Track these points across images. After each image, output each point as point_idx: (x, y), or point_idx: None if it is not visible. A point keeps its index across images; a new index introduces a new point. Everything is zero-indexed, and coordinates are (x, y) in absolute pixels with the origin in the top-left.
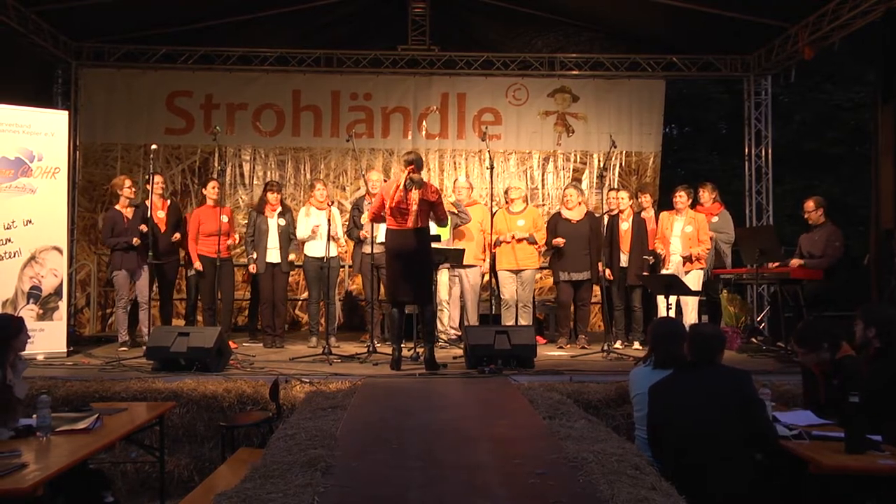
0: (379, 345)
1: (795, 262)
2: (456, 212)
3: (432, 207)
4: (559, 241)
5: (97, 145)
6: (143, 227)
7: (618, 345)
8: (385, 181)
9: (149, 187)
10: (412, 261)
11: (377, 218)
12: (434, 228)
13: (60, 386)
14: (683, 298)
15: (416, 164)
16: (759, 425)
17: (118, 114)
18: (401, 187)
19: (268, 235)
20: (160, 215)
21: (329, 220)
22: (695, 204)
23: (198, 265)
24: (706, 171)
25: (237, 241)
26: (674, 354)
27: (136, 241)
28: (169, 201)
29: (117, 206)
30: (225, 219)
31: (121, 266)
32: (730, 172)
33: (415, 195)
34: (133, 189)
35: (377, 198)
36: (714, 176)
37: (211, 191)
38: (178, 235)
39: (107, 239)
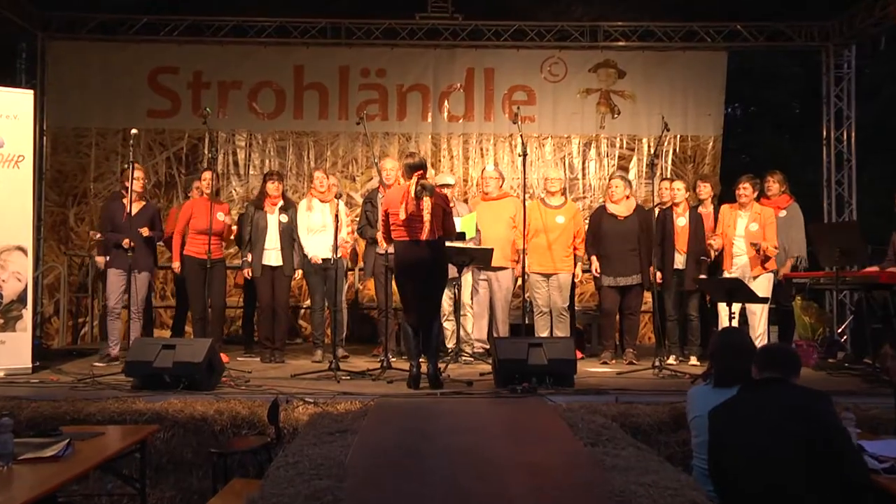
0: (394, 359)
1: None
2: None
3: (445, 216)
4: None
5: (68, 130)
6: (145, 231)
7: (671, 360)
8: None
9: (126, 180)
10: (426, 277)
11: (388, 237)
12: (459, 225)
13: (25, 407)
14: (750, 307)
15: (424, 168)
16: (842, 457)
17: (92, 94)
18: (411, 196)
19: (267, 234)
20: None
21: (336, 216)
22: (760, 196)
23: (176, 266)
24: (774, 158)
25: (234, 236)
26: (739, 371)
27: (126, 242)
28: (145, 202)
29: (125, 200)
30: (221, 216)
31: (114, 264)
32: (804, 159)
33: (427, 203)
34: (144, 180)
35: (381, 214)
36: (784, 163)
37: (205, 183)
38: (146, 230)
39: (104, 233)
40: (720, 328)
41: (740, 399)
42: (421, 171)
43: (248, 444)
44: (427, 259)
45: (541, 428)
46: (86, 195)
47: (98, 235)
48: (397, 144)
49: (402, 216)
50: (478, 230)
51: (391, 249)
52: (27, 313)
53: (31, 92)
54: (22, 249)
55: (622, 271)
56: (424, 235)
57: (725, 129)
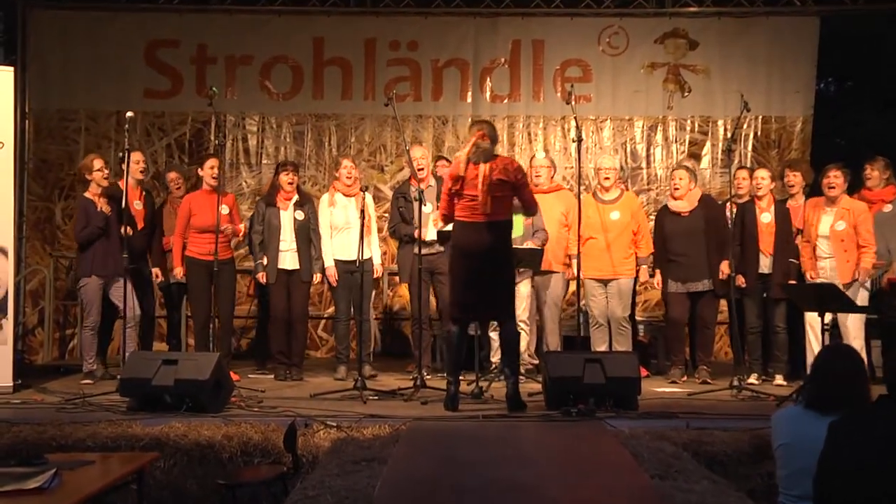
0: (429, 376)
1: None
2: None
3: (514, 191)
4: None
5: (53, 113)
6: (128, 230)
7: (753, 379)
8: (443, 161)
9: (124, 169)
10: (485, 264)
11: (448, 217)
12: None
13: (4, 431)
14: (841, 317)
15: (487, 130)
16: None
17: (81, 71)
18: (462, 161)
19: (280, 233)
20: (137, 206)
21: (363, 212)
22: (860, 186)
23: (178, 272)
24: (876, 142)
25: (243, 237)
26: (843, 398)
27: (125, 230)
28: (145, 191)
29: (87, 194)
30: (225, 210)
31: (91, 271)
32: None
33: (483, 171)
34: (107, 172)
35: (444, 184)
36: (888, 148)
37: (209, 172)
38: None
39: (80, 233)
40: (831, 344)
41: (879, 417)
42: (481, 132)
43: (261, 475)
44: (484, 242)
45: (599, 457)
46: (74, 188)
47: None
48: (431, 129)
49: (455, 186)
50: (543, 227)
51: (425, 234)
52: (7, 324)
53: (11, 69)
54: (2, 250)
55: (690, 275)
56: (480, 213)
57: (816, 108)
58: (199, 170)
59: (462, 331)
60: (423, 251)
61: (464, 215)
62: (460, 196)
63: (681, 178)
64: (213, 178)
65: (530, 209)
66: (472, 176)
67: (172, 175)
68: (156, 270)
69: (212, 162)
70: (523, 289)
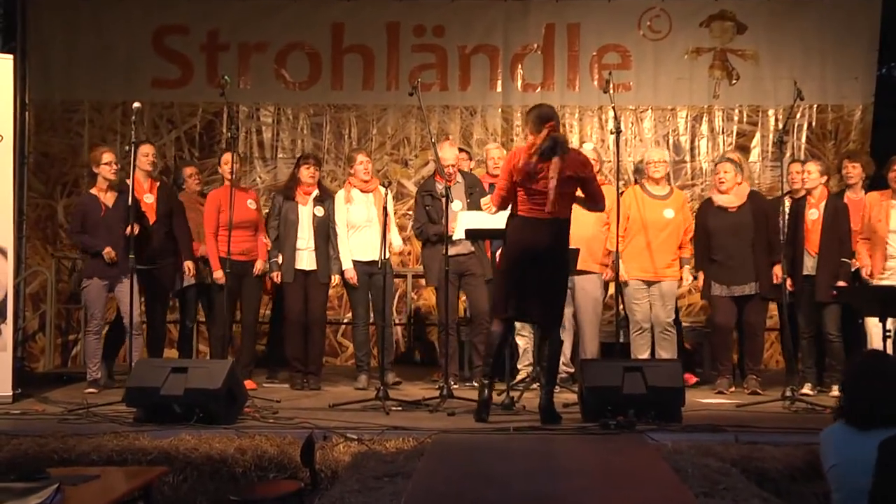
0: (456, 386)
1: None
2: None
3: (582, 185)
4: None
5: (55, 104)
6: (135, 229)
7: (807, 389)
8: (464, 154)
9: (108, 163)
10: (543, 263)
11: (506, 199)
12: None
13: (3, 444)
14: None
15: (556, 120)
16: None
17: (85, 59)
18: (533, 153)
19: (298, 230)
20: (147, 200)
21: (384, 209)
22: None
23: (219, 275)
24: None
25: (268, 244)
26: (886, 411)
27: (108, 252)
28: (159, 182)
29: (93, 190)
30: (253, 204)
31: (93, 273)
32: None
33: (555, 166)
34: (116, 167)
35: (502, 172)
36: None
37: (226, 168)
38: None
39: (73, 233)
40: (865, 350)
41: None
42: (552, 123)
43: (276, 491)
44: (546, 241)
45: (639, 473)
46: (77, 184)
47: (108, 251)
48: (459, 120)
49: (517, 178)
50: None
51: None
52: (6, 329)
53: (10, 57)
54: (0, 251)
55: (736, 277)
56: (548, 210)
57: (878, 95)
58: (219, 166)
59: (507, 331)
60: (452, 252)
61: (525, 210)
62: (524, 189)
63: (725, 171)
64: (229, 171)
65: (598, 204)
66: (542, 170)
67: (190, 170)
68: (188, 264)
69: (227, 157)
70: None
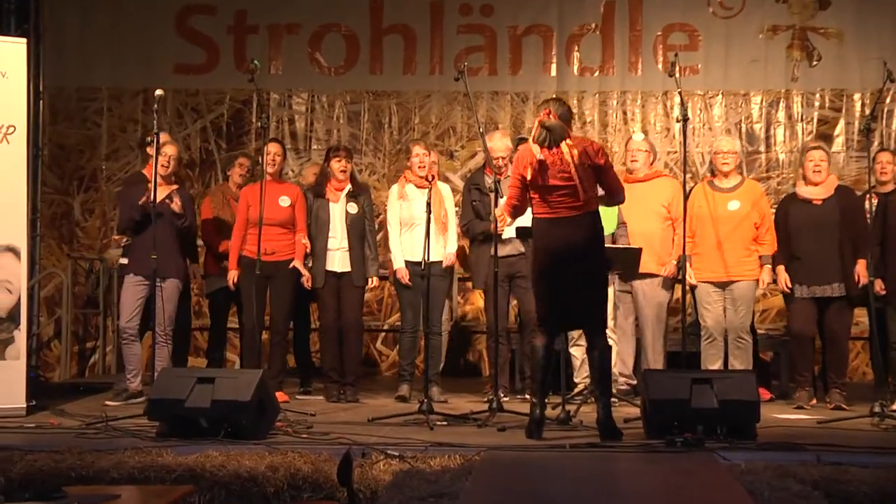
0: (506, 399)
1: None
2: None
3: (598, 175)
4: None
5: (71, 92)
6: (176, 206)
7: None
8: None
9: (151, 155)
10: (576, 265)
11: (519, 208)
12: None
13: (17, 460)
14: None
15: (554, 107)
16: None
17: (103, 43)
18: (533, 147)
19: (329, 229)
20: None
21: (428, 204)
22: None
23: (233, 275)
24: None
25: (308, 246)
26: None
27: (143, 200)
28: (177, 186)
29: (145, 171)
30: (286, 201)
31: (131, 269)
32: None
33: (568, 153)
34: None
35: (512, 177)
36: None
37: (267, 159)
38: (177, 203)
39: (122, 221)
40: None
41: None
42: (548, 110)
43: None
44: (571, 238)
45: (709, 496)
46: (95, 178)
47: (125, 240)
48: (509, 108)
49: (529, 175)
50: (623, 223)
51: (503, 231)
52: (20, 336)
53: (23, 41)
54: (13, 251)
55: (819, 277)
56: (569, 207)
57: None
58: (243, 158)
59: (549, 344)
60: (501, 252)
61: (544, 210)
62: (538, 188)
63: (822, 159)
64: (271, 164)
65: (616, 196)
66: (555, 161)
67: (273, 148)
68: (233, 274)
69: (269, 148)
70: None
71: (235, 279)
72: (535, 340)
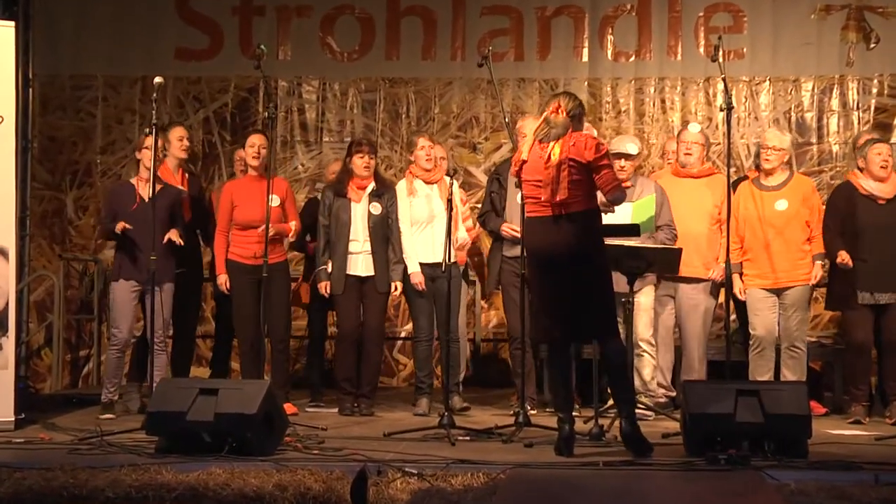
0: (533, 412)
1: None
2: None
3: (592, 173)
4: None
5: (63, 79)
6: (174, 235)
7: None
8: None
9: (149, 147)
10: (563, 269)
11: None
12: (629, 212)
13: (5, 478)
14: None
15: (564, 102)
16: None
17: (98, 26)
18: (528, 142)
19: (351, 230)
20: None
21: (449, 201)
22: None
23: (223, 280)
24: None
25: (295, 236)
26: None
27: (120, 226)
28: (188, 174)
29: (132, 180)
30: (276, 201)
31: (119, 274)
32: None
33: (550, 149)
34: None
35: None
36: None
37: (250, 151)
38: (175, 234)
39: (103, 220)
40: None
41: None
42: (557, 104)
43: None
44: (559, 239)
45: None
46: (89, 173)
47: (120, 225)
48: (537, 96)
49: (516, 169)
50: (671, 223)
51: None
52: (8, 344)
53: (11, 25)
54: (0, 251)
55: (883, 284)
56: (549, 204)
57: None
58: (241, 150)
59: (561, 353)
60: (516, 253)
61: (530, 209)
62: (525, 186)
63: (880, 153)
64: (255, 157)
65: (609, 194)
66: (537, 157)
67: (256, 139)
68: (223, 279)
69: (252, 140)
70: (644, 300)
71: (228, 284)
72: (548, 352)
